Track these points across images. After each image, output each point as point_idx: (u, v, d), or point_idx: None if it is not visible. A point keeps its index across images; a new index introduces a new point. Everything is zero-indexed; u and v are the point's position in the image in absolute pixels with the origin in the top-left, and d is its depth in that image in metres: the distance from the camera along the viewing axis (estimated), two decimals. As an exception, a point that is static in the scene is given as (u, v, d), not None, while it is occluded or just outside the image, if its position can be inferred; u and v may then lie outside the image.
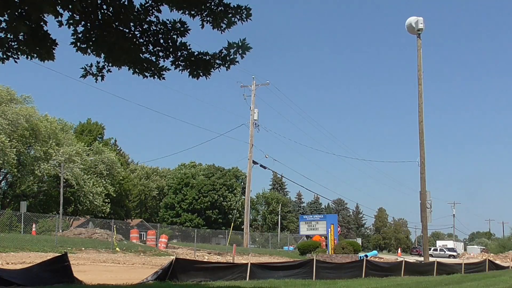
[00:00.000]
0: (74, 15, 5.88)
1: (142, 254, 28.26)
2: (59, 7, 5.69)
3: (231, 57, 6.45)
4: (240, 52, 6.37)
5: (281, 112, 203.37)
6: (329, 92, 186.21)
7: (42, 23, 5.87)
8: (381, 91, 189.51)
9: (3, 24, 5.76)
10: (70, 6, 5.71)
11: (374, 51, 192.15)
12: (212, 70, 6.55)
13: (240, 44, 6.32)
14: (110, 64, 6.42)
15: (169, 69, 6.60)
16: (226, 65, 6.49)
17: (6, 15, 5.69)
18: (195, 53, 6.49)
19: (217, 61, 6.49)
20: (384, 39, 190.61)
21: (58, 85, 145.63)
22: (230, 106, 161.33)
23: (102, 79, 6.53)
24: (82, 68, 6.46)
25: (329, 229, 38.05)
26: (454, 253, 72.85)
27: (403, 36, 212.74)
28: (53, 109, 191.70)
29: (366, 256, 34.83)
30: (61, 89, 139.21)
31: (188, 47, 6.45)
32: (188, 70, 6.54)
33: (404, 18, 41.02)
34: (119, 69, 6.43)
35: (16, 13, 5.68)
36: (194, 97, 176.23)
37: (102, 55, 6.31)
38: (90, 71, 6.49)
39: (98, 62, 6.45)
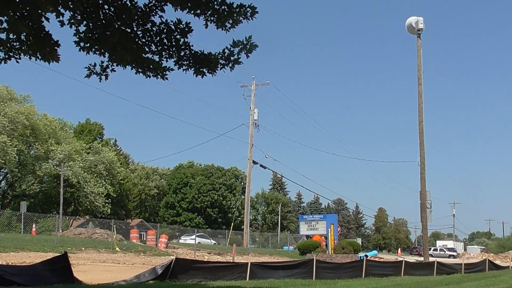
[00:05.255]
0: (76, 14, 5.88)
1: (142, 254, 28.25)
2: (60, 6, 5.69)
3: (235, 57, 6.42)
4: (245, 51, 6.33)
5: (281, 112, 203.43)
6: (329, 92, 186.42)
7: (43, 24, 5.87)
8: (381, 90, 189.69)
9: (4, 24, 5.76)
10: (71, 6, 5.71)
11: (374, 51, 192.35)
12: (217, 69, 6.52)
13: (245, 42, 6.27)
14: (114, 64, 6.42)
15: (172, 69, 6.56)
16: (230, 65, 6.46)
17: (6, 15, 5.69)
18: (198, 53, 6.47)
19: (221, 61, 6.45)
20: (384, 39, 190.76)
21: (58, 85, 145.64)
22: (230, 106, 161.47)
23: (106, 78, 6.52)
24: (86, 67, 6.45)
25: (329, 229, 38.03)
26: (454, 253, 72.87)
27: (403, 36, 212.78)
28: (52, 109, 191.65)
29: (366, 256, 34.81)
30: (60, 89, 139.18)
31: (191, 47, 6.43)
32: (193, 69, 6.52)
33: (404, 18, 41.04)
34: (124, 68, 6.43)
35: (18, 13, 5.68)
36: (194, 97, 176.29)
37: (107, 55, 6.31)
38: (94, 71, 6.48)
39: (102, 62, 6.44)
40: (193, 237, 49.71)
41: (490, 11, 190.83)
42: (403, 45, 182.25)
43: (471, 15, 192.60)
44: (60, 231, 36.95)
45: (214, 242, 55.75)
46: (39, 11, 5.63)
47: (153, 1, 6.06)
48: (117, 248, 28.25)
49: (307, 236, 44.05)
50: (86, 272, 15.47)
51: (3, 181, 56.52)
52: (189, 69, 6.52)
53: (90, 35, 6.08)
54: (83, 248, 26.17)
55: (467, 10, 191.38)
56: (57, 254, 13.25)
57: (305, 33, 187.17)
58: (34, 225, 38.04)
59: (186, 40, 6.36)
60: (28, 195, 54.78)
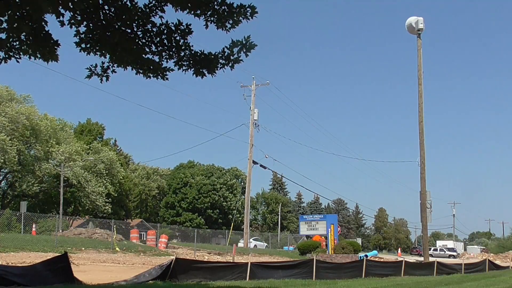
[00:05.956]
0: (76, 15, 5.89)
1: (142, 254, 28.25)
2: (60, 7, 5.70)
3: (235, 56, 6.42)
4: (244, 51, 6.33)
5: (281, 112, 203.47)
6: (329, 92, 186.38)
7: (43, 24, 5.88)
8: (381, 90, 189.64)
9: (4, 24, 5.76)
10: (71, 6, 5.71)
11: (374, 51, 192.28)
12: (217, 69, 6.53)
13: (244, 42, 6.28)
14: (115, 65, 6.41)
15: (172, 70, 6.56)
16: (230, 65, 6.47)
17: (7, 15, 5.69)
18: (198, 53, 6.47)
19: (221, 60, 6.46)
20: (384, 39, 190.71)
21: (58, 85, 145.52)
22: (230, 106, 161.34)
23: (107, 79, 6.51)
24: (87, 68, 6.45)
25: (329, 229, 38.03)
26: (454, 253, 72.88)
27: (403, 36, 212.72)
28: (52, 109, 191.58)
29: (366, 256, 34.82)
30: (60, 89, 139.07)
31: (191, 47, 6.43)
32: (192, 69, 6.52)
33: (404, 18, 41.02)
34: (124, 69, 6.42)
35: (18, 13, 5.68)
36: (194, 97, 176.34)
37: (107, 56, 6.30)
38: (95, 72, 6.48)
39: (103, 63, 6.44)
40: (251, 240, 50.27)
41: (490, 11, 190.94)
42: (403, 45, 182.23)
43: (471, 15, 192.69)
44: (60, 231, 36.96)
45: (266, 244, 55.90)
46: (40, 12, 5.63)
47: (153, 2, 6.07)
48: (117, 248, 28.25)
49: (307, 236, 44.06)
50: (86, 272, 15.47)
51: (3, 181, 56.52)
52: (189, 70, 6.51)
53: (90, 35, 6.09)
54: (83, 248, 26.17)
55: (467, 10, 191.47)
56: (57, 254, 13.25)
57: (304, 33, 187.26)
58: (34, 225, 38.03)
59: (186, 40, 6.37)
60: (28, 195, 54.75)
